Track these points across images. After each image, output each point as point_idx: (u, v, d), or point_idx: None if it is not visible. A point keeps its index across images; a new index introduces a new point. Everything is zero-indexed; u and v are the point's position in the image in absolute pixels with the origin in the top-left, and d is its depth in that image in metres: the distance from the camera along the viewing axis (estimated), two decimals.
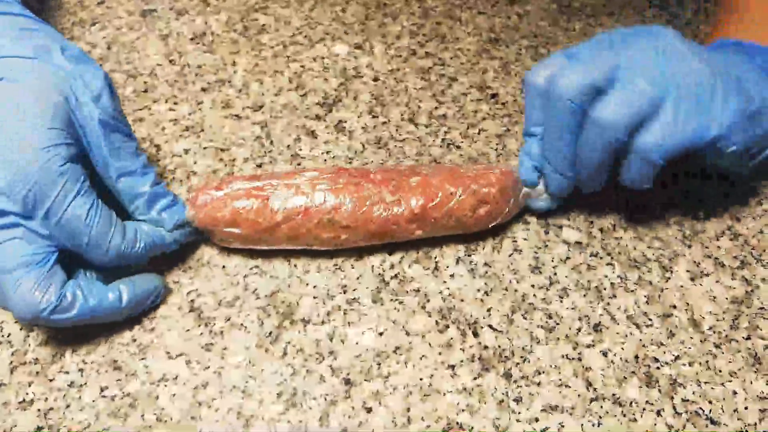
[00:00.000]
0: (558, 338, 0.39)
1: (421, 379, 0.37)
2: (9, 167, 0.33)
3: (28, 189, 0.33)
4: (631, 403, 0.37)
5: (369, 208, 0.39)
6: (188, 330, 0.39)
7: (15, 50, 0.36)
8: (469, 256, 0.43)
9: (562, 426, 0.36)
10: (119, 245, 0.36)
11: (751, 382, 0.38)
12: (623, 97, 0.36)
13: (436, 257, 0.43)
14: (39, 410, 0.36)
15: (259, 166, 0.47)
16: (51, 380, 0.37)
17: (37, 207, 0.33)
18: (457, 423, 0.36)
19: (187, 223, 0.40)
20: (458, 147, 0.48)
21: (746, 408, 0.37)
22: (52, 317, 0.34)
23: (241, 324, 0.39)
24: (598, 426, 0.36)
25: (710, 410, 0.37)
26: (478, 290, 0.41)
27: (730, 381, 0.38)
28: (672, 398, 0.37)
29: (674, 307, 0.41)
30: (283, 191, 0.39)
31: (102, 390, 0.37)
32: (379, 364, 0.38)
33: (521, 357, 0.39)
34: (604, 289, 0.42)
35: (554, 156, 0.39)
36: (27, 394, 0.36)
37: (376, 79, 0.53)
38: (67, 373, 0.37)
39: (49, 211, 0.34)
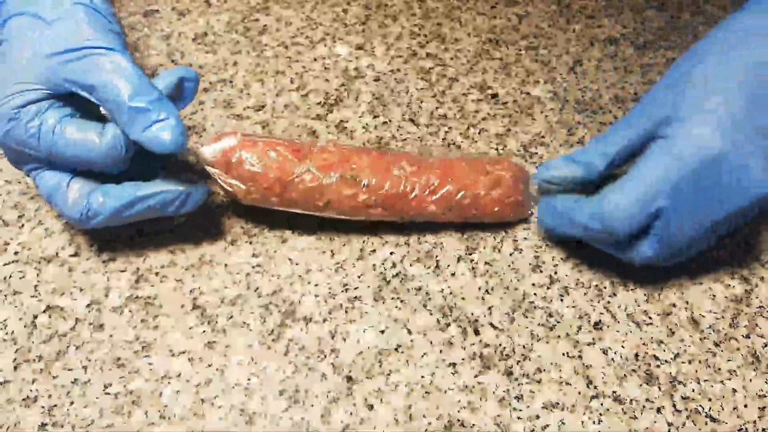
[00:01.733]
0: (558, 336, 0.40)
1: (422, 377, 0.38)
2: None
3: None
4: (631, 400, 0.37)
5: (390, 171, 0.41)
6: (191, 328, 0.39)
7: None
8: (470, 254, 0.43)
9: (563, 423, 0.36)
10: (108, 143, 0.37)
11: (751, 380, 0.38)
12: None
13: (437, 256, 0.43)
14: (43, 407, 0.36)
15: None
16: (55, 377, 0.37)
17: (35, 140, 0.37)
18: (459, 420, 0.36)
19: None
20: (459, 147, 0.49)
21: (745, 406, 0.37)
22: (92, 222, 0.38)
23: (244, 322, 0.39)
24: (599, 423, 0.36)
25: (710, 408, 0.37)
26: (479, 289, 0.41)
27: (730, 379, 0.38)
28: (672, 396, 0.38)
29: (674, 305, 0.41)
30: (310, 149, 0.41)
31: (105, 387, 0.37)
32: (381, 361, 0.38)
33: (522, 355, 0.39)
34: (605, 287, 0.42)
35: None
36: (31, 391, 0.37)
37: (377, 80, 0.53)
38: (70, 370, 0.37)
39: (40, 140, 0.37)
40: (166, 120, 0.36)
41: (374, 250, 0.43)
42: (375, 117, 0.51)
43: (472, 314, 0.40)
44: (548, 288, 0.42)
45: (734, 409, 0.37)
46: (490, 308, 0.41)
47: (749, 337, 0.40)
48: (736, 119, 0.36)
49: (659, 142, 0.38)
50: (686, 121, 0.37)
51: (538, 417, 0.36)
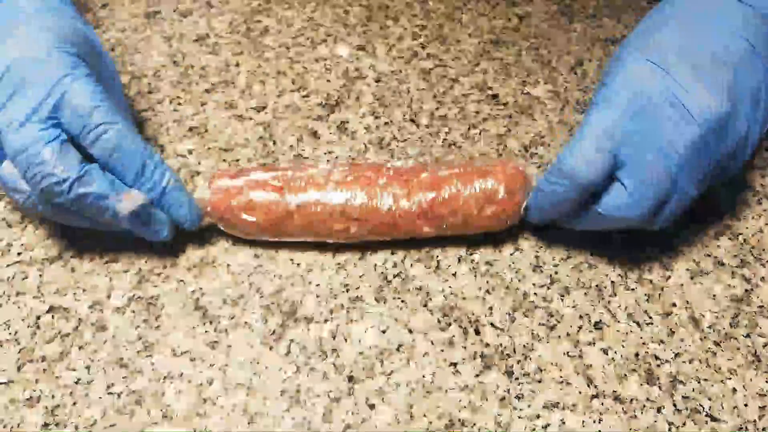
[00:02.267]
0: (559, 336, 0.40)
1: (423, 377, 0.38)
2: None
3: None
4: (631, 400, 0.37)
5: (379, 201, 0.40)
6: (193, 328, 0.39)
7: None
8: (471, 255, 0.43)
9: (563, 423, 0.36)
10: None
11: (751, 380, 0.38)
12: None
13: (438, 256, 0.43)
14: (46, 407, 0.36)
15: (263, 166, 0.47)
16: (58, 377, 0.37)
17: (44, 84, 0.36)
18: (459, 420, 0.36)
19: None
20: (459, 147, 0.49)
21: (746, 405, 0.37)
22: (73, 191, 0.36)
23: (246, 322, 0.40)
24: (599, 423, 0.36)
25: (710, 407, 0.37)
26: (480, 289, 0.42)
27: (730, 378, 0.38)
28: (672, 395, 0.38)
29: (674, 305, 0.41)
30: (297, 183, 0.40)
31: (108, 387, 0.37)
32: (382, 361, 0.38)
33: (522, 355, 0.39)
34: (605, 287, 0.42)
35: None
36: (34, 391, 0.37)
37: (378, 80, 0.53)
38: (73, 370, 0.38)
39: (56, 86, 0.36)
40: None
41: (375, 251, 0.43)
42: (376, 118, 0.51)
43: (473, 314, 0.40)
44: (549, 288, 0.42)
45: (734, 408, 0.37)
46: (490, 308, 0.41)
47: (749, 337, 0.40)
48: (668, 59, 0.37)
49: (599, 91, 0.38)
50: (621, 64, 0.38)
51: (538, 416, 0.37)
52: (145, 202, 0.38)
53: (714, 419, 0.37)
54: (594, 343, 0.39)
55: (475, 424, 0.36)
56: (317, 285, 0.41)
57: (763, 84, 0.38)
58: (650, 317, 0.41)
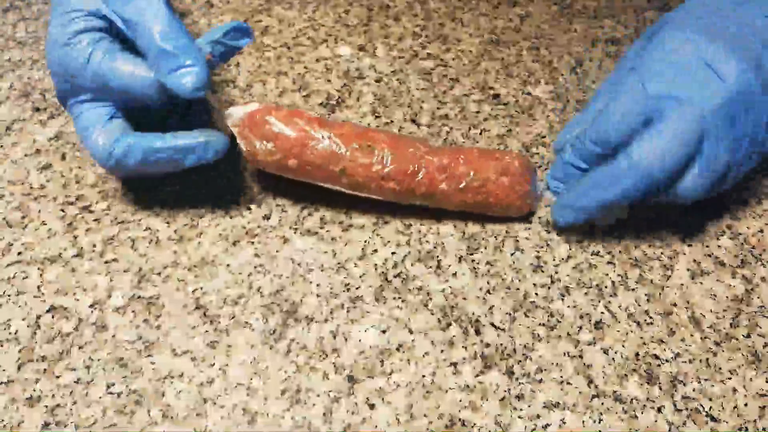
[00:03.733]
0: (559, 336, 0.40)
1: (423, 377, 0.38)
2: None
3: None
4: (631, 400, 0.37)
5: (404, 148, 0.42)
6: (193, 327, 0.39)
7: None
8: (471, 254, 0.43)
9: (564, 423, 0.36)
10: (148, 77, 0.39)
11: (751, 380, 0.38)
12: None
13: (438, 256, 0.43)
14: (46, 407, 0.36)
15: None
16: (58, 377, 0.37)
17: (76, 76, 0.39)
18: (460, 420, 0.36)
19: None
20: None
21: (746, 405, 0.37)
22: (114, 163, 0.40)
23: (246, 322, 0.40)
24: (599, 423, 0.36)
25: (710, 407, 0.37)
26: (480, 288, 0.42)
27: (730, 378, 0.38)
28: (672, 395, 0.38)
29: (675, 305, 0.41)
30: (334, 122, 0.42)
31: (108, 387, 0.37)
32: (382, 361, 0.38)
33: (523, 355, 0.39)
34: (605, 287, 0.42)
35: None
36: (34, 390, 0.37)
37: (378, 80, 0.53)
38: (73, 370, 0.38)
39: (83, 71, 0.39)
40: (191, 67, 0.37)
41: (376, 250, 0.43)
42: (377, 117, 0.51)
43: (474, 314, 0.40)
44: (549, 288, 0.42)
45: (735, 408, 0.37)
46: (491, 308, 0.41)
47: (750, 337, 0.40)
48: (701, 36, 0.39)
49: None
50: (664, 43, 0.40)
51: (539, 416, 0.37)
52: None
53: (714, 419, 0.37)
54: (594, 343, 0.39)
55: (475, 424, 0.36)
56: (317, 285, 0.41)
57: None
58: (651, 317, 0.41)
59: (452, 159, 0.42)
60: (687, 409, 0.37)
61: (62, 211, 0.44)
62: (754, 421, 0.37)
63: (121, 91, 0.39)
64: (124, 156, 0.39)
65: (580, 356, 0.39)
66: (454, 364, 0.38)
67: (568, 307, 0.41)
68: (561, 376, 0.38)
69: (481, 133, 0.50)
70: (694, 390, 0.38)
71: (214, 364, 0.38)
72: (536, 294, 0.41)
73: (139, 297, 0.41)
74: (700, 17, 0.41)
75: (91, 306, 0.40)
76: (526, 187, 0.43)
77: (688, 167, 0.39)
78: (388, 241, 0.44)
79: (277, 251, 0.43)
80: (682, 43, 0.39)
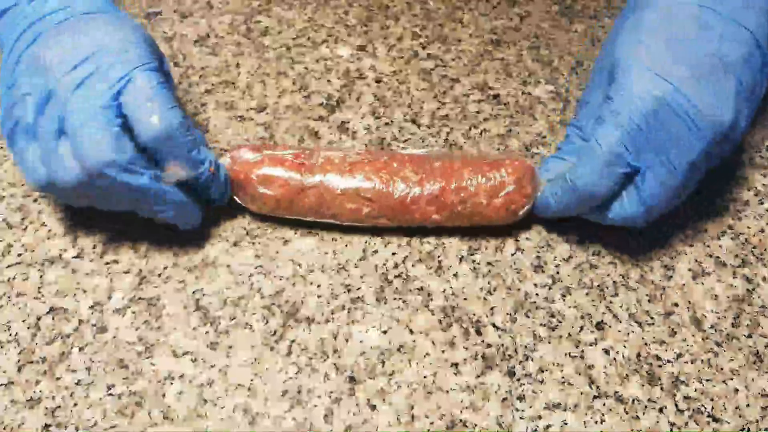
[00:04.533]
0: (561, 336, 0.40)
1: (424, 377, 0.38)
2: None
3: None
4: (633, 400, 0.37)
5: (392, 186, 0.41)
6: (194, 329, 0.39)
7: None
8: (472, 255, 0.43)
9: (565, 424, 0.36)
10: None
11: (753, 380, 0.38)
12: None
13: (439, 256, 0.43)
14: (47, 408, 0.36)
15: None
16: (58, 378, 0.37)
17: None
18: (461, 420, 0.36)
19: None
20: (460, 147, 0.49)
21: (748, 405, 0.37)
22: (118, 175, 0.36)
23: (246, 323, 0.40)
24: (601, 423, 0.36)
25: (712, 408, 0.37)
26: (481, 289, 0.42)
27: (732, 379, 0.38)
28: (674, 396, 0.38)
29: (676, 305, 0.41)
30: (315, 162, 0.42)
31: (109, 388, 0.37)
32: (383, 362, 0.38)
33: (524, 355, 0.39)
34: (606, 287, 0.42)
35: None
36: (35, 392, 0.37)
37: (378, 81, 0.53)
38: (74, 371, 0.38)
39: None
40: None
41: (376, 251, 0.43)
42: (377, 118, 0.51)
43: (474, 314, 0.40)
44: (550, 288, 0.42)
45: (736, 408, 0.37)
46: (492, 308, 0.41)
47: (751, 337, 0.40)
48: (671, 70, 0.37)
49: (604, 106, 0.38)
50: (625, 76, 0.38)
51: (540, 417, 0.37)
52: (188, 175, 0.39)
53: (716, 420, 0.37)
54: (596, 344, 0.39)
55: (476, 425, 0.36)
56: (318, 286, 0.41)
57: (759, 74, 0.39)
58: (652, 317, 0.41)
59: (443, 190, 0.41)
60: (689, 409, 0.37)
61: (62, 212, 0.44)
62: (756, 421, 0.37)
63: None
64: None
65: (582, 357, 0.39)
66: (455, 365, 0.38)
67: (569, 307, 0.41)
68: (562, 377, 0.38)
69: (481, 134, 0.50)
70: (695, 390, 0.38)
71: (214, 365, 0.38)
72: (537, 294, 0.41)
73: (139, 298, 0.41)
74: (660, 41, 0.38)
75: (91, 307, 0.40)
76: (523, 200, 0.42)
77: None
78: (389, 242, 0.43)
79: (277, 252, 0.43)
80: (652, 84, 0.37)
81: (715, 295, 0.42)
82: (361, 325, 0.40)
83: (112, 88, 0.36)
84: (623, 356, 0.39)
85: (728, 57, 0.38)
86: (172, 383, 0.37)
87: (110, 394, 0.37)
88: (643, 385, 0.38)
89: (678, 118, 0.37)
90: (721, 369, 0.39)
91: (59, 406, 0.36)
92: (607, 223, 0.41)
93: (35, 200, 0.45)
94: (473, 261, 0.43)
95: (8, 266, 0.42)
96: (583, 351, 0.39)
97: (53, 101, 0.36)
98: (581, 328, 0.40)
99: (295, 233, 0.44)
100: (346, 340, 0.39)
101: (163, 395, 0.37)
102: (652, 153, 0.37)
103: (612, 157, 0.38)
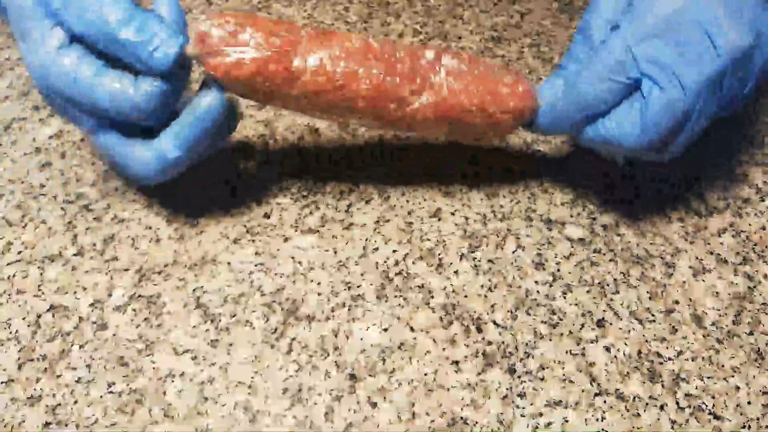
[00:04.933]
0: (561, 334, 0.40)
1: (425, 375, 0.38)
2: None
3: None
4: (634, 398, 0.37)
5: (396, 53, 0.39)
6: (194, 326, 0.39)
7: None
8: (473, 252, 0.43)
9: (566, 421, 0.36)
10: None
11: (754, 377, 0.38)
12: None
13: (439, 254, 0.43)
14: (47, 406, 0.36)
15: (265, 163, 0.47)
16: (59, 376, 0.37)
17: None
18: (462, 418, 0.36)
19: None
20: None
21: (749, 403, 0.37)
22: (169, 172, 0.38)
23: (247, 320, 0.40)
24: (602, 421, 0.36)
25: (713, 405, 0.37)
26: (482, 286, 0.41)
27: (733, 376, 0.38)
28: (675, 393, 0.37)
29: (677, 302, 0.41)
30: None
31: (109, 386, 0.37)
32: (384, 359, 0.38)
33: (525, 353, 0.39)
34: (607, 285, 0.42)
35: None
36: (35, 390, 0.37)
37: None
38: (74, 369, 0.37)
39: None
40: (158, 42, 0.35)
41: (377, 248, 0.43)
42: None
43: (475, 312, 0.40)
44: (551, 285, 0.42)
45: (738, 406, 0.37)
46: (492, 306, 0.41)
47: (753, 334, 0.40)
48: None
49: (628, 11, 0.37)
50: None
51: (541, 414, 0.37)
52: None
53: (717, 417, 0.37)
54: (597, 341, 0.39)
55: (477, 423, 0.36)
56: (318, 283, 0.41)
57: None
58: (653, 315, 0.41)
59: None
60: (690, 407, 0.37)
61: (62, 209, 0.44)
62: (758, 419, 0.37)
63: (115, 113, 0.36)
64: (174, 161, 0.37)
65: (583, 354, 0.39)
66: (456, 362, 0.38)
67: (570, 304, 0.41)
68: (563, 374, 0.38)
69: None
70: (696, 388, 0.38)
71: (215, 362, 0.38)
72: (538, 292, 0.41)
73: (139, 296, 0.40)
74: None
75: (91, 305, 0.40)
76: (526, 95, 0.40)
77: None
78: (389, 239, 0.43)
79: (277, 249, 0.43)
80: (677, 4, 0.36)
81: (716, 293, 0.42)
82: (362, 323, 0.40)
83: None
84: (624, 354, 0.39)
85: None
86: (172, 381, 0.37)
87: (110, 392, 0.37)
88: (644, 383, 0.38)
89: (696, 33, 0.35)
90: (723, 366, 0.39)
91: (59, 404, 0.36)
92: (600, 144, 0.39)
93: (35, 197, 0.45)
94: (474, 258, 0.43)
95: (8, 264, 0.42)
96: (584, 348, 0.39)
97: None
98: (582, 325, 0.40)
99: (295, 230, 0.44)
100: (347, 338, 0.39)
101: (164, 393, 0.37)
102: (663, 68, 0.36)
103: (619, 64, 0.36)
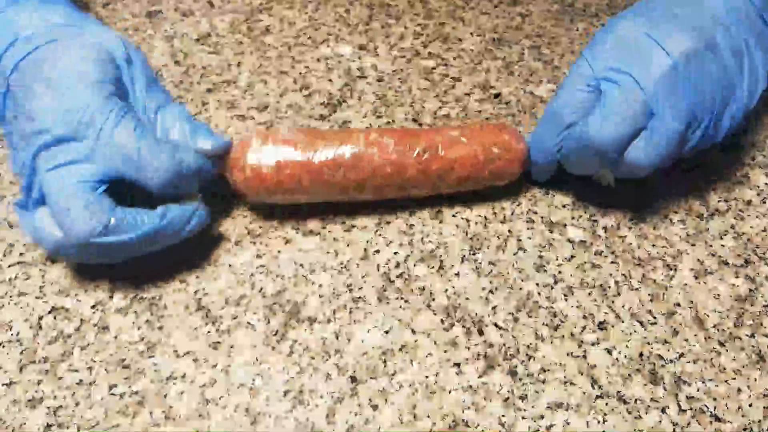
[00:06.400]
0: (563, 336, 0.40)
1: (426, 377, 0.38)
2: (65, 98, 0.37)
3: (80, 115, 0.37)
4: (635, 400, 0.37)
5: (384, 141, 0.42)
6: (195, 328, 0.39)
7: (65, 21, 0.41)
8: (474, 254, 0.43)
9: (568, 423, 0.36)
10: (167, 165, 0.38)
11: (755, 380, 0.38)
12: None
13: (441, 256, 0.43)
14: (48, 408, 0.36)
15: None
16: (60, 378, 0.37)
17: (89, 129, 0.37)
18: (463, 420, 0.36)
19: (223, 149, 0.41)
20: None
21: (750, 405, 0.37)
22: (101, 239, 0.36)
23: (248, 323, 0.40)
24: (603, 423, 0.36)
25: (714, 407, 0.37)
26: (483, 289, 0.41)
27: (734, 378, 0.38)
28: (676, 396, 0.37)
29: (678, 305, 0.41)
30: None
31: (111, 388, 0.37)
32: (385, 362, 0.38)
33: (526, 355, 0.39)
34: (609, 287, 0.42)
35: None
36: (36, 392, 0.37)
37: (380, 80, 0.53)
38: (76, 371, 0.37)
39: (101, 132, 0.37)
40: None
41: (378, 251, 0.43)
42: (378, 117, 0.51)
43: (476, 314, 0.40)
44: (552, 288, 0.42)
45: (739, 408, 0.37)
46: (494, 308, 0.41)
47: (754, 336, 0.40)
48: (654, 17, 0.41)
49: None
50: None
51: (542, 417, 0.36)
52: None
53: (719, 419, 0.37)
54: (598, 343, 0.39)
55: (478, 425, 0.36)
56: (320, 285, 0.41)
57: (752, 39, 0.41)
58: (654, 317, 0.41)
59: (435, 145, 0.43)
60: (691, 409, 0.37)
61: None
62: (759, 421, 0.37)
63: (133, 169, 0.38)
64: (112, 233, 0.36)
65: (584, 356, 0.39)
66: (457, 365, 0.38)
67: (572, 307, 0.41)
68: (564, 377, 0.38)
69: None
70: (698, 390, 0.38)
71: (216, 365, 0.38)
72: (539, 294, 0.41)
73: (140, 298, 0.40)
74: (654, 9, 0.41)
75: (92, 307, 0.40)
76: (519, 154, 0.44)
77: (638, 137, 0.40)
78: (391, 242, 0.43)
79: (279, 252, 0.43)
80: (631, 26, 0.40)
81: (718, 295, 0.42)
82: (363, 325, 0.40)
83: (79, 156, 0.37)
84: (625, 356, 0.39)
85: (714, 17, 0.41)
86: (173, 383, 0.37)
87: (112, 394, 0.37)
88: (645, 385, 0.38)
89: (645, 43, 0.39)
90: (724, 369, 0.39)
91: (61, 406, 0.36)
92: (576, 151, 0.42)
93: None
94: (475, 260, 0.43)
95: (9, 265, 0.42)
96: (585, 351, 0.39)
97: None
98: (583, 327, 0.40)
99: (297, 233, 0.44)
100: (348, 340, 0.39)
101: (165, 395, 0.37)
102: (618, 71, 0.39)
103: (583, 77, 0.41)
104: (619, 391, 0.37)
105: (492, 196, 0.46)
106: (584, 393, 0.37)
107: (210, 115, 0.50)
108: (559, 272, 0.42)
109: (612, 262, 0.43)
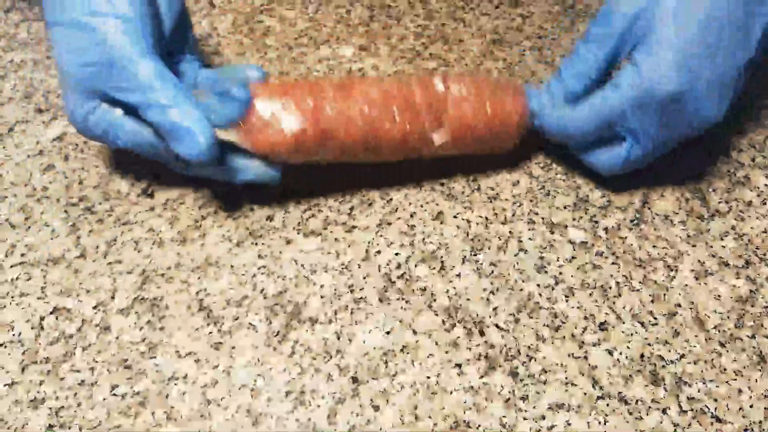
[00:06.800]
0: (564, 337, 0.40)
1: (428, 378, 0.38)
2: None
3: None
4: (636, 401, 0.37)
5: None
6: (197, 329, 0.39)
7: None
8: (475, 255, 0.43)
9: (569, 424, 0.36)
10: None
11: (756, 381, 0.38)
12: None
13: (442, 257, 0.43)
14: (50, 409, 0.36)
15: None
16: (62, 379, 0.37)
17: None
18: (464, 421, 0.36)
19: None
20: None
21: (751, 406, 0.37)
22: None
23: (250, 323, 0.40)
24: (604, 424, 0.36)
25: (715, 408, 0.37)
26: (484, 289, 0.42)
27: (735, 379, 0.38)
28: (677, 396, 0.38)
29: (679, 306, 0.41)
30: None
31: (112, 389, 0.37)
32: (387, 362, 0.38)
33: (527, 356, 0.39)
34: (610, 288, 0.42)
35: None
36: (38, 392, 0.37)
37: None
38: (77, 371, 0.38)
39: None
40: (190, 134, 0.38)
41: (379, 251, 0.43)
42: None
43: (478, 315, 0.40)
44: (553, 289, 0.42)
45: (740, 409, 0.37)
46: (495, 309, 0.41)
47: (755, 338, 0.40)
48: (694, 61, 0.39)
49: (628, 70, 0.40)
50: (652, 54, 0.39)
51: (543, 418, 0.37)
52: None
53: (720, 420, 0.37)
54: (599, 344, 0.39)
55: (479, 426, 0.36)
56: (321, 286, 0.41)
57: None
58: (655, 318, 0.41)
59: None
60: (692, 410, 0.37)
61: (65, 212, 0.44)
62: (760, 422, 0.37)
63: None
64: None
65: (585, 357, 0.39)
66: (459, 366, 0.38)
67: (573, 308, 0.41)
68: (566, 378, 0.38)
69: None
70: (699, 391, 0.38)
71: (217, 365, 0.38)
72: (540, 295, 0.41)
73: (142, 298, 0.41)
74: None
75: (94, 307, 0.40)
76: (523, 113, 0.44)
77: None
78: (392, 242, 0.43)
79: (280, 252, 0.43)
80: (671, 86, 0.39)
81: (719, 296, 0.42)
82: (364, 326, 0.40)
83: None
84: (626, 357, 0.39)
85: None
86: (175, 383, 0.37)
87: (114, 395, 0.37)
88: (646, 386, 0.38)
89: (680, 109, 0.40)
90: (725, 370, 0.39)
91: (63, 407, 0.36)
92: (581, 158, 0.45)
93: (38, 200, 0.45)
94: (476, 261, 0.43)
95: (11, 266, 0.42)
96: (586, 352, 0.39)
97: None
98: (584, 328, 0.40)
99: (298, 233, 0.44)
100: (350, 341, 0.39)
101: (167, 396, 0.37)
102: (645, 132, 0.41)
103: (612, 117, 0.41)
104: (620, 392, 0.38)
105: (493, 197, 0.46)
106: (585, 394, 0.37)
107: None
108: (560, 273, 0.42)
109: (613, 263, 0.43)
